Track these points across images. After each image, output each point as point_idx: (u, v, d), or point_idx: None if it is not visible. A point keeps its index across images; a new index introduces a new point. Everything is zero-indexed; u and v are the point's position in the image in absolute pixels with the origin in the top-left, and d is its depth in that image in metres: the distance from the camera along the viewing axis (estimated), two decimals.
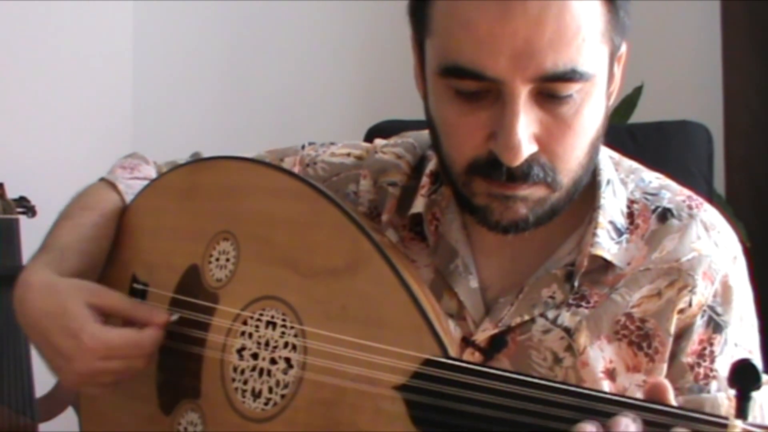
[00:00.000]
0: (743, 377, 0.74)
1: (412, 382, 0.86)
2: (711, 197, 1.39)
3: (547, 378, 0.90)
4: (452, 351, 0.87)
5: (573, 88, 0.86)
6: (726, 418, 0.73)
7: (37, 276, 1.02)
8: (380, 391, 0.87)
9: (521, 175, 0.88)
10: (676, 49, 2.52)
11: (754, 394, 0.73)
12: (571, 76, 0.85)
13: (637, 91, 2.24)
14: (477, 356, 0.96)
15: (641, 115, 2.12)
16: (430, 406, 0.84)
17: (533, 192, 0.90)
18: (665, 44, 2.48)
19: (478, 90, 0.87)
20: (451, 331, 0.95)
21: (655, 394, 0.78)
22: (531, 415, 0.80)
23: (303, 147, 1.18)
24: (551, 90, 0.86)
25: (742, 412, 0.73)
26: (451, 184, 0.96)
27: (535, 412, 0.80)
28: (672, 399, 0.78)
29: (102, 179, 1.17)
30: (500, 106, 0.86)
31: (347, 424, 0.89)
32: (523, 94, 0.85)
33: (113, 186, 1.14)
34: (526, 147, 0.86)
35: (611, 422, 0.75)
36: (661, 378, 0.81)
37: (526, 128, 0.86)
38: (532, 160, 0.88)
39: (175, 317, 1.02)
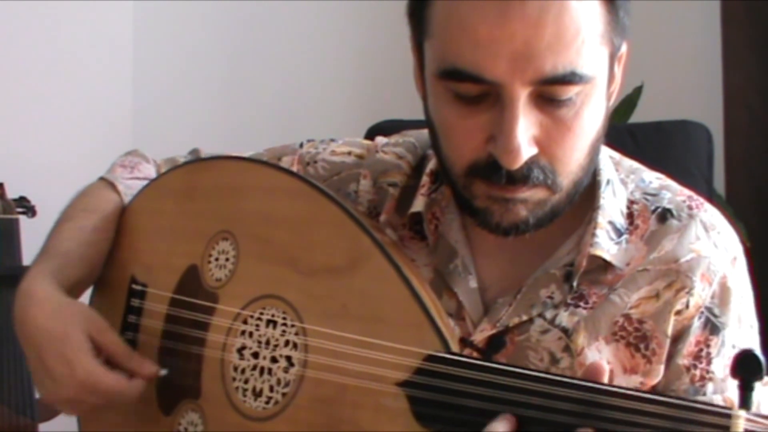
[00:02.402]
0: (746, 367, 0.74)
1: (414, 378, 0.85)
2: (711, 197, 1.39)
3: (549, 371, 0.90)
4: (454, 346, 0.86)
5: (573, 91, 0.86)
6: (730, 409, 0.74)
7: (41, 288, 1.01)
8: (382, 387, 0.87)
9: (521, 177, 0.88)
10: (676, 49, 2.51)
11: (757, 385, 0.73)
12: (570, 78, 0.85)
13: (637, 91, 2.24)
14: (475, 357, 0.96)
15: (641, 115, 2.11)
16: (432, 402, 0.84)
17: (533, 194, 0.90)
18: (665, 44, 2.48)
19: (477, 93, 0.87)
20: (452, 327, 0.94)
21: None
22: (534, 409, 0.80)
23: (301, 145, 1.17)
24: (551, 93, 0.86)
25: (745, 402, 0.74)
26: (451, 186, 0.96)
27: (538, 406, 0.80)
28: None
29: (102, 178, 1.16)
30: (499, 108, 0.86)
31: (349, 421, 0.88)
32: (522, 97, 0.85)
33: (113, 186, 1.14)
34: (526, 150, 0.86)
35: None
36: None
37: (525, 131, 0.86)
38: (531, 162, 0.87)
39: (163, 372, 1.02)
